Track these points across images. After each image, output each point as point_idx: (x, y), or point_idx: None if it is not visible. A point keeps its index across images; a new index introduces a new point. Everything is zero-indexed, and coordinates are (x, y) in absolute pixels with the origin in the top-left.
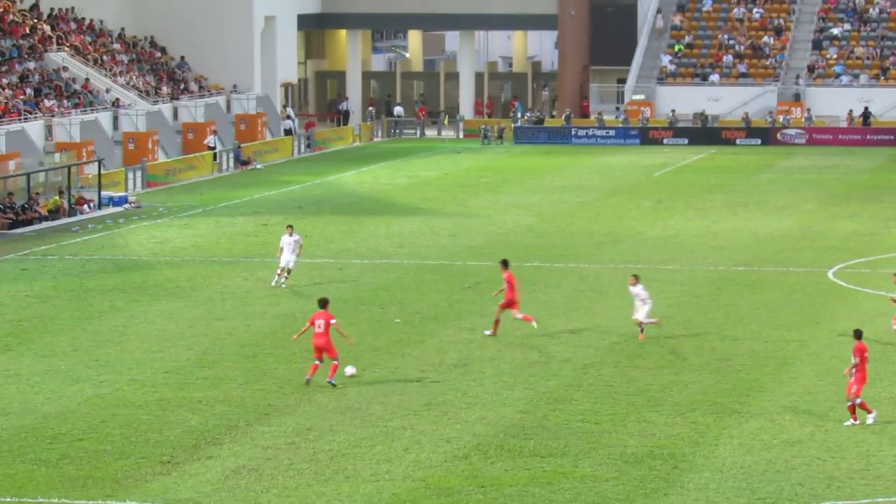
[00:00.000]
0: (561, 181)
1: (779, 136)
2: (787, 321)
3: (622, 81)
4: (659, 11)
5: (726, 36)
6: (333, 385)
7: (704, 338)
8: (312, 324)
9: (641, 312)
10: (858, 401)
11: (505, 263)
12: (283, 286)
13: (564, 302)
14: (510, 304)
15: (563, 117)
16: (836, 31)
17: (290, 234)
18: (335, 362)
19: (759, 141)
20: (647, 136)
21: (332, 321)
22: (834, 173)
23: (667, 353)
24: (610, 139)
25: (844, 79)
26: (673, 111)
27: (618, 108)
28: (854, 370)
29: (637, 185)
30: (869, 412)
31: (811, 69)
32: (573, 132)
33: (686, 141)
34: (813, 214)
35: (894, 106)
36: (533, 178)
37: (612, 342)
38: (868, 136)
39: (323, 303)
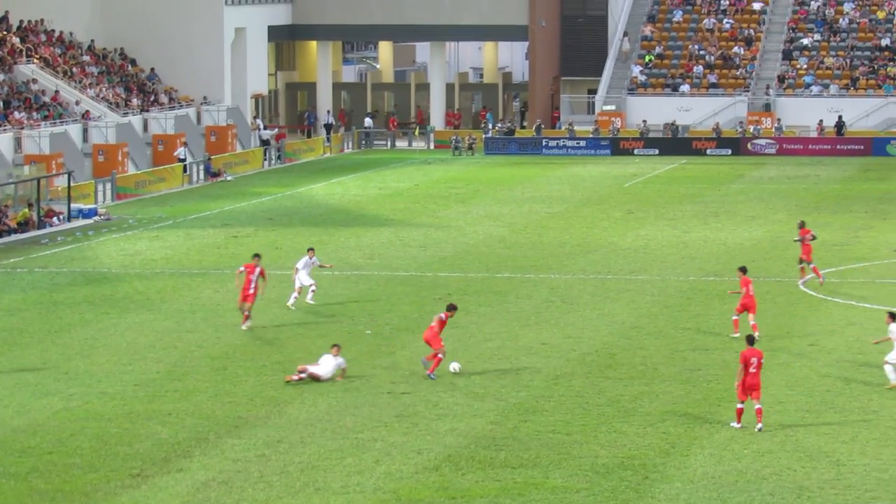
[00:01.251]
0: (532, 192)
1: (749, 146)
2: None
3: (593, 92)
4: (625, 35)
5: (697, 46)
6: (433, 378)
7: (675, 348)
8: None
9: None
10: (739, 405)
11: (743, 270)
12: (311, 301)
13: (535, 313)
14: (747, 307)
15: (533, 128)
16: (806, 41)
17: (311, 258)
18: (440, 356)
19: (730, 151)
20: (618, 147)
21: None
22: (804, 183)
23: (638, 363)
24: (581, 150)
25: (814, 89)
26: (644, 121)
27: (596, 123)
28: (742, 376)
29: (608, 196)
30: (737, 422)
31: (781, 79)
32: (544, 143)
33: (657, 151)
34: (783, 224)
35: (865, 115)
36: (504, 189)
37: (582, 353)
38: (838, 146)
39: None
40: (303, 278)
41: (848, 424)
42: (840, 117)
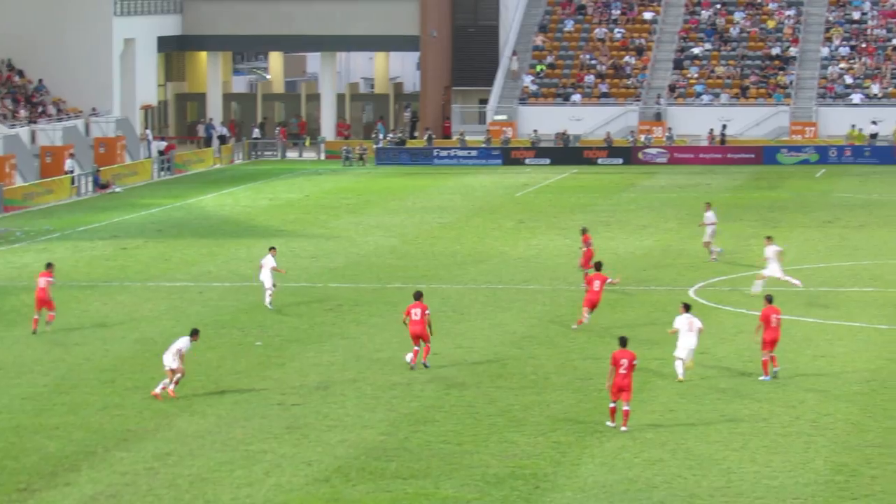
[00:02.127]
0: (423, 202)
1: (640, 155)
2: (649, 340)
3: (484, 102)
4: (514, 54)
5: (588, 56)
6: (427, 367)
7: (566, 357)
8: (409, 314)
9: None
10: (611, 405)
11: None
12: (269, 305)
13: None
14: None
15: (424, 138)
16: (696, 50)
17: (272, 256)
18: (428, 345)
19: (621, 160)
20: (509, 157)
21: (427, 311)
22: (695, 192)
23: (529, 373)
24: (472, 160)
25: (705, 98)
26: (535, 131)
27: (487, 133)
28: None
29: (499, 206)
30: (612, 418)
31: (672, 88)
32: (435, 153)
33: (548, 161)
34: (674, 233)
35: (755, 124)
36: (395, 200)
37: (473, 363)
38: (729, 155)
39: (418, 295)
40: (264, 277)
41: (738, 432)
42: (724, 127)
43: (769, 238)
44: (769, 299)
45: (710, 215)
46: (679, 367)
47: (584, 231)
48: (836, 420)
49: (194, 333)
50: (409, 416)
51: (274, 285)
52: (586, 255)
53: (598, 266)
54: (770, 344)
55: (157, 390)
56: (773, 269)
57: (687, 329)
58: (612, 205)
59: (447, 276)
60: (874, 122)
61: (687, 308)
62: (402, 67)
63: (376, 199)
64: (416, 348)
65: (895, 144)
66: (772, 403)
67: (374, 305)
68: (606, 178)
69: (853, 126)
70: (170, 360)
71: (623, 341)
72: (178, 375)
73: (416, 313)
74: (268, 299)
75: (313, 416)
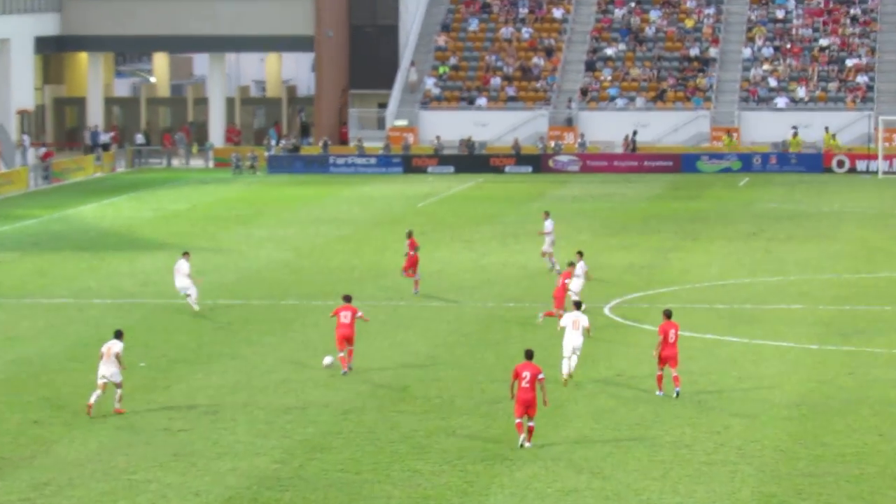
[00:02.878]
0: (318, 213)
1: (550, 163)
2: (552, 363)
3: (384, 106)
4: (412, 64)
5: (494, 57)
6: (349, 371)
7: (473, 379)
8: (338, 314)
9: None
10: (517, 420)
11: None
12: (195, 306)
13: (323, 342)
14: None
15: (320, 145)
16: (610, 51)
17: (185, 261)
18: (351, 348)
19: (530, 168)
20: (411, 165)
21: (359, 314)
22: (609, 202)
23: (433, 396)
24: (371, 168)
25: (620, 102)
26: (438, 137)
27: (386, 139)
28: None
29: (400, 217)
30: (520, 434)
31: (584, 92)
32: (331, 160)
33: (452, 169)
34: (588, 246)
35: (673, 130)
36: (288, 211)
37: (374, 385)
38: (645, 163)
39: (348, 298)
40: (182, 284)
41: (659, 460)
42: (634, 133)
43: (580, 254)
44: (667, 314)
45: (548, 224)
46: (564, 366)
47: (409, 234)
48: (763, 447)
49: (119, 335)
50: (305, 443)
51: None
52: (410, 260)
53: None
54: (666, 360)
55: (92, 401)
56: (576, 286)
57: (572, 327)
58: (521, 216)
59: (344, 292)
60: (794, 129)
61: (578, 306)
62: (296, 70)
63: (268, 209)
64: (341, 354)
65: (824, 152)
66: (695, 429)
67: (267, 324)
68: (514, 188)
69: (794, 130)
70: (111, 372)
71: (528, 354)
72: (120, 391)
73: (345, 316)
74: (194, 303)
75: (201, 442)
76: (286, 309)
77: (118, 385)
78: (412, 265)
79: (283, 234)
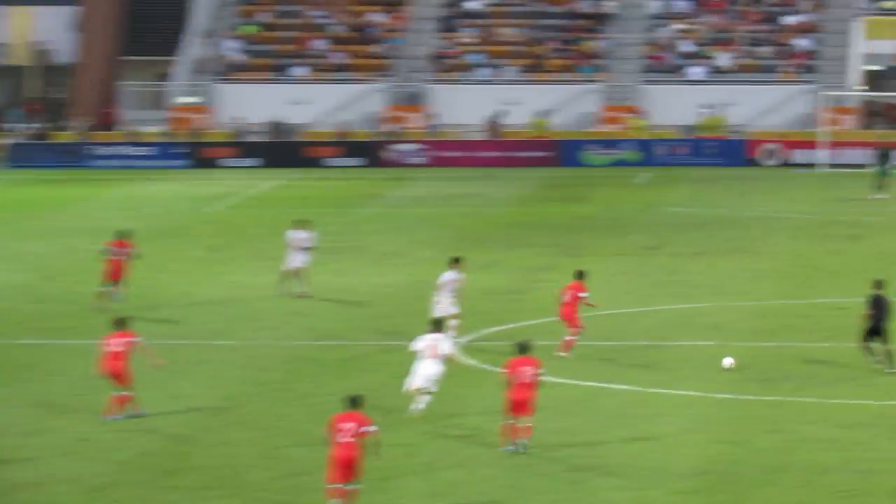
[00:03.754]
0: (72, 222)
1: (389, 153)
2: (394, 417)
3: (165, 77)
4: (208, 26)
5: (318, 13)
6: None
7: (272, 444)
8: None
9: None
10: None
11: None
12: None
13: (72, 395)
14: None
15: (78, 130)
16: (473, 4)
17: None
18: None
19: (361, 161)
20: (200, 156)
21: (139, 339)
22: (465, 206)
23: (219, 465)
24: (146, 160)
25: (483, 73)
26: (239, 119)
27: (168, 122)
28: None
29: (182, 227)
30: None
31: (437, 59)
32: (93, 151)
33: (256, 162)
34: (432, 264)
35: (554, 109)
36: (31, 218)
37: (138, 452)
38: (514, 153)
39: (120, 322)
40: None
41: None
42: (497, 114)
43: (457, 260)
44: (522, 347)
45: (303, 235)
46: (410, 381)
47: (123, 235)
48: None
49: None
50: None
51: None
52: (114, 266)
53: (438, 325)
54: (518, 407)
55: None
56: (445, 301)
57: (428, 353)
58: (347, 224)
59: (104, 328)
60: (710, 108)
61: (437, 326)
62: (51, 29)
63: (4, 217)
64: (114, 394)
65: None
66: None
67: None
68: (339, 187)
69: (711, 109)
70: None
71: (353, 401)
72: None
73: (116, 344)
74: None
75: None
76: (23, 351)
77: None
78: (115, 272)
79: (21, 250)
